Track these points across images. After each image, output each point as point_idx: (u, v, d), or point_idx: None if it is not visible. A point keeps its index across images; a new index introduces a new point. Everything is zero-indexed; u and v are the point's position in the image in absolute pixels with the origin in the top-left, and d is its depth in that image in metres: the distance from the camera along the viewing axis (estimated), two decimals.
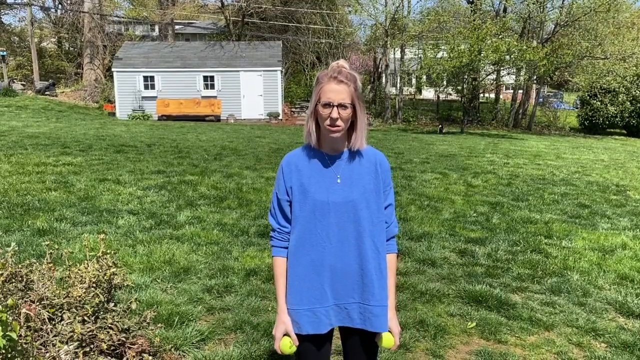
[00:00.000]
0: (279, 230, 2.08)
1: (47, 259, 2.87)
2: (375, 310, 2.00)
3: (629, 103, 27.87)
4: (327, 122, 1.92)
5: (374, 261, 2.02)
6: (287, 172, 2.05)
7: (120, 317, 2.79)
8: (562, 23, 26.70)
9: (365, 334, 2.06)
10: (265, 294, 4.24)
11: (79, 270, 2.81)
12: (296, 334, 2.03)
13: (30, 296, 2.56)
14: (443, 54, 24.40)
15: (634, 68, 27.28)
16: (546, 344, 3.61)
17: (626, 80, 27.71)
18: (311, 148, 2.05)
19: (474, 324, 3.87)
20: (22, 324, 2.24)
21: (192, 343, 3.38)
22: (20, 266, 2.66)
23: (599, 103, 28.46)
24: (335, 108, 1.90)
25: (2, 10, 35.96)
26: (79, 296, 2.64)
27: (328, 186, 2.00)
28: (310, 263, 2.00)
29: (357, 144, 2.00)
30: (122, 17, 39.27)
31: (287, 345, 2.04)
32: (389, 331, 2.06)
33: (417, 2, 52.97)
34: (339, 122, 1.92)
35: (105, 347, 2.57)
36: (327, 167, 2.02)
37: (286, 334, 2.04)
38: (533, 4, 25.95)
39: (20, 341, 2.07)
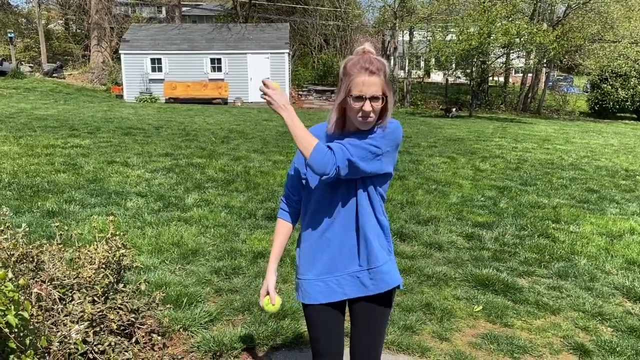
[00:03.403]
0: (286, 195, 2.19)
1: (57, 240, 2.89)
2: (384, 267, 2.03)
3: None
4: (360, 114, 1.90)
5: (376, 231, 2.05)
6: None
7: (130, 298, 2.82)
8: (573, 5, 26.30)
9: (371, 299, 2.06)
10: None
11: (88, 251, 2.84)
12: (308, 304, 2.09)
13: (41, 276, 2.59)
14: (452, 36, 24.14)
15: None
16: (552, 328, 3.62)
17: (637, 63, 27.31)
18: None
19: (481, 307, 3.88)
20: (33, 303, 2.27)
21: (201, 324, 3.42)
22: (30, 247, 2.68)
23: (609, 87, 28.12)
24: (367, 101, 1.87)
25: None
26: (89, 277, 2.67)
27: None
28: (319, 235, 2.05)
29: (384, 123, 1.96)
30: None
31: (266, 302, 2.15)
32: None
33: None
34: (372, 114, 1.90)
35: (115, 327, 2.60)
36: None
37: (268, 293, 2.14)
38: None
39: (32, 320, 2.10)
